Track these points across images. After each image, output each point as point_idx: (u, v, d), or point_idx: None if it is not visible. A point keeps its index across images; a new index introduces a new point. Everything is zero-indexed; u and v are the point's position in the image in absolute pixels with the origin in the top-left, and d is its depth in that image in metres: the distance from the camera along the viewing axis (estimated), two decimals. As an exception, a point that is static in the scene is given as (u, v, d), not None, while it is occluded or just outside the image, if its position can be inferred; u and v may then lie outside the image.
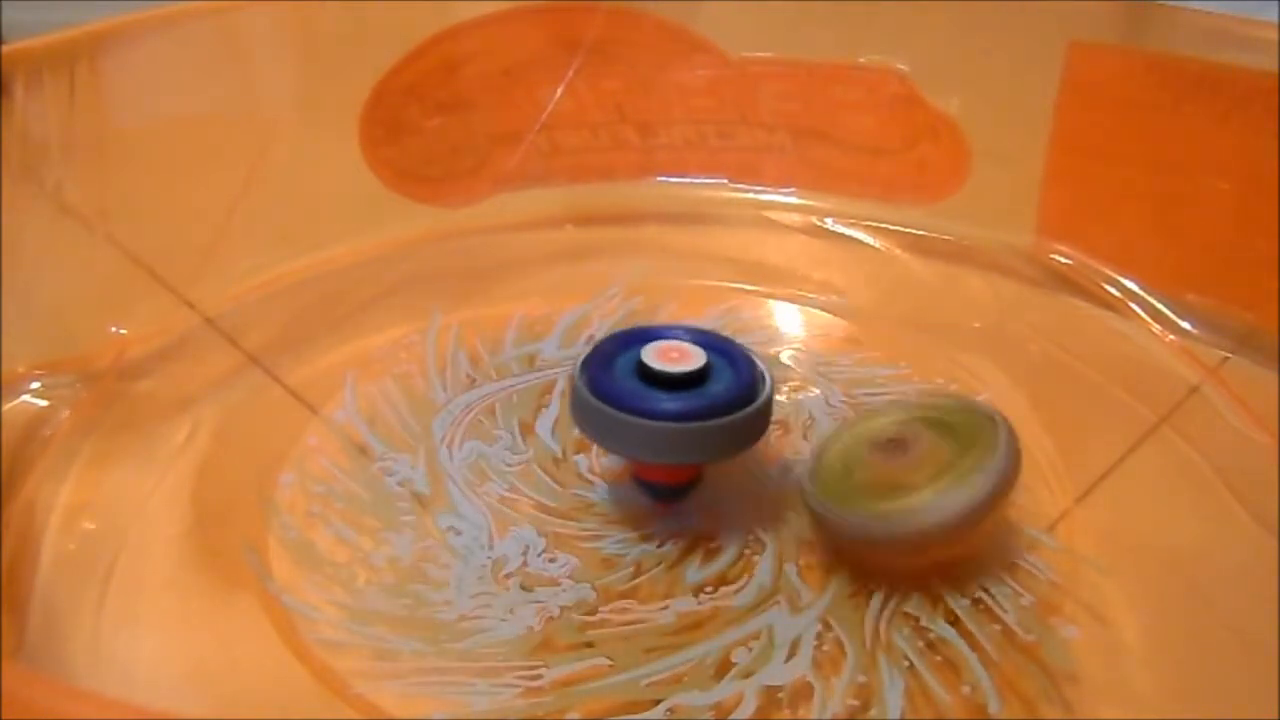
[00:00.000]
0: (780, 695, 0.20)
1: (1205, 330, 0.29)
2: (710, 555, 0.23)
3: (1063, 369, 0.29)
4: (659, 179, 0.36)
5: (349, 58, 0.33)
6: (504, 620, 0.21)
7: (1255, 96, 0.28)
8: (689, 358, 0.22)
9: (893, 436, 0.22)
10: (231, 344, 0.29)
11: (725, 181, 0.36)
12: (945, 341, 0.29)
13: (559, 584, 0.22)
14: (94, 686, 0.20)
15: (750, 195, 0.36)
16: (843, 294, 0.32)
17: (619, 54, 0.35)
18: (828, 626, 0.21)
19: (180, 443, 0.26)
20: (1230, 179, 0.29)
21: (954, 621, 0.21)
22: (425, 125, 0.34)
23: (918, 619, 0.21)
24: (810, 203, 0.35)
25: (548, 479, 0.25)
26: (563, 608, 0.21)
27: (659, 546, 0.23)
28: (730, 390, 0.22)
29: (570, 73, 0.35)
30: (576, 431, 0.26)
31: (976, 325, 0.31)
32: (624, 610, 0.21)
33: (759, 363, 0.23)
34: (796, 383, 0.28)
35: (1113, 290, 0.31)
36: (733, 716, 0.19)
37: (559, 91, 0.35)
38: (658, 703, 0.20)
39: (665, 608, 0.22)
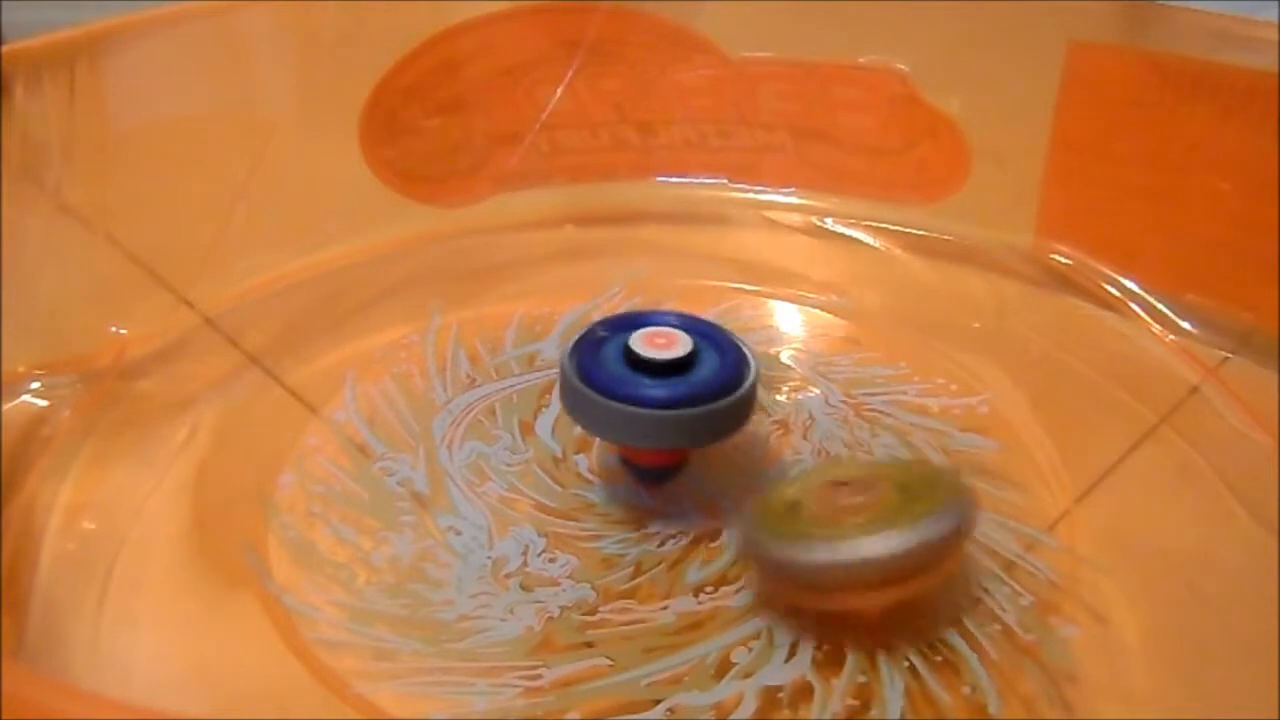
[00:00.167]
0: (780, 695, 0.20)
1: (1205, 330, 0.29)
2: (710, 555, 0.23)
3: (1063, 369, 0.29)
4: (659, 179, 0.36)
5: (349, 58, 0.33)
6: (504, 620, 0.21)
7: (1255, 96, 0.28)
8: (676, 344, 0.23)
9: (847, 479, 0.21)
10: (231, 344, 0.29)
11: (725, 181, 0.36)
12: (945, 341, 0.29)
13: (559, 584, 0.22)
14: (94, 686, 0.20)
15: (750, 195, 0.36)
16: (843, 294, 0.32)
17: (619, 54, 0.35)
18: (828, 626, 0.21)
19: (180, 443, 0.26)
20: (1230, 179, 0.29)
21: (954, 621, 0.21)
22: (425, 125, 0.34)
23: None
24: (810, 203, 0.35)
25: (547, 479, 0.25)
26: (563, 608, 0.21)
27: (659, 546, 0.23)
28: (715, 377, 0.22)
29: (570, 73, 0.35)
30: (576, 431, 0.26)
31: (976, 325, 0.31)
32: (624, 610, 0.21)
33: (745, 349, 0.23)
34: (796, 383, 0.28)
35: (1113, 290, 0.31)
36: (733, 716, 0.19)
37: (559, 91, 0.35)
38: (658, 703, 0.20)
39: (665, 608, 0.22)
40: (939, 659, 0.21)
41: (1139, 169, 0.31)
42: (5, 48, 0.27)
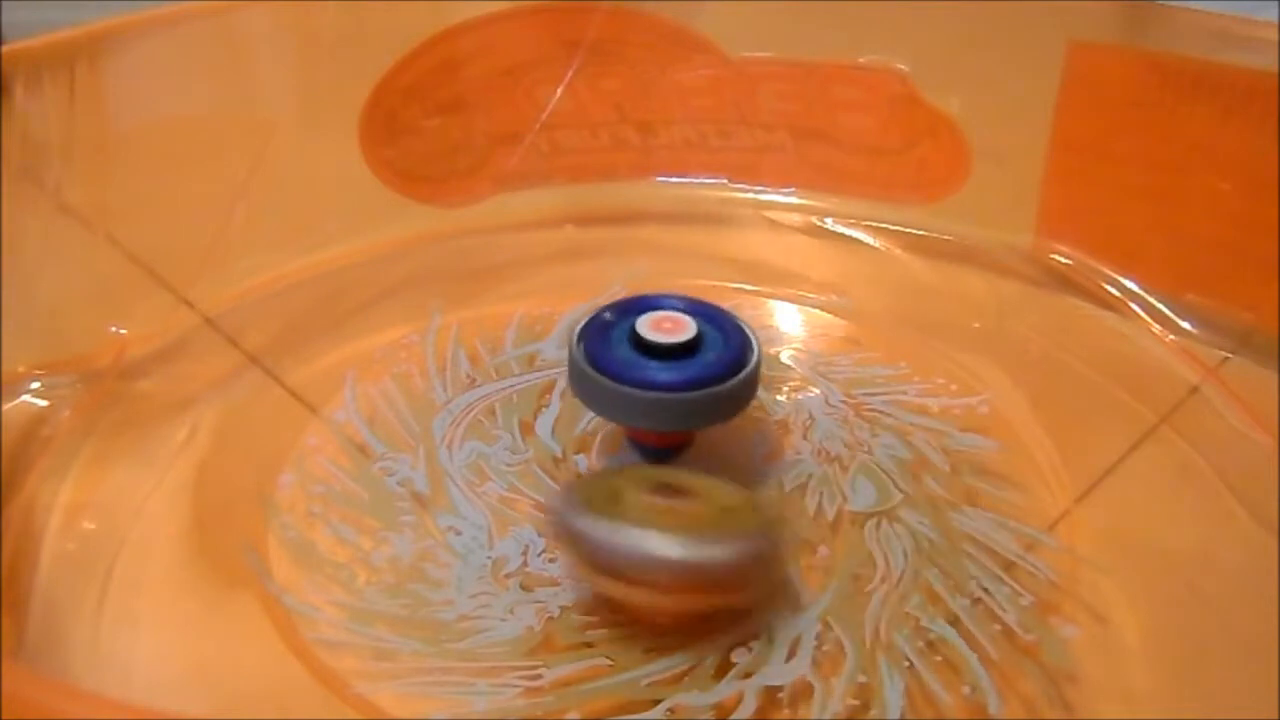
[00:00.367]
0: (780, 695, 0.20)
1: (1205, 330, 0.29)
2: (710, 555, 0.23)
3: (1063, 369, 0.29)
4: (659, 179, 0.36)
5: (349, 58, 0.33)
6: (504, 620, 0.21)
7: (1255, 96, 0.28)
8: (681, 327, 0.23)
9: (677, 486, 0.21)
10: (231, 344, 0.29)
11: (725, 181, 0.36)
12: (945, 341, 0.29)
13: (559, 584, 0.22)
14: (94, 686, 0.20)
15: (750, 195, 0.36)
16: (843, 294, 0.32)
17: (619, 54, 0.35)
18: (828, 626, 0.21)
19: (180, 443, 0.26)
20: (1230, 179, 0.29)
21: (954, 621, 0.21)
22: (425, 125, 0.34)
23: (918, 619, 0.21)
24: (810, 203, 0.35)
25: (548, 479, 0.25)
26: (563, 608, 0.21)
27: (659, 546, 0.23)
28: (720, 360, 0.23)
29: (570, 73, 0.35)
30: (576, 431, 0.26)
31: (976, 325, 0.31)
32: (624, 610, 0.21)
33: (748, 331, 0.24)
34: (796, 383, 0.28)
35: (1113, 290, 0.31)
36: (733, 717, 0.19)
37: (559, 91, 0.35)
38: (658, 703, 0.20)
39: (665, 608, 0.22)
40: (939, 659, 0.21)
41: (1139, 169, 0.31)
42: (5, 48, 0.27)
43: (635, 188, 0.36)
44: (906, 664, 0.20)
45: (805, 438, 0.26)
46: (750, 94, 0.35)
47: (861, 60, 0.34)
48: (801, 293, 0.32)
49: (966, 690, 0.20)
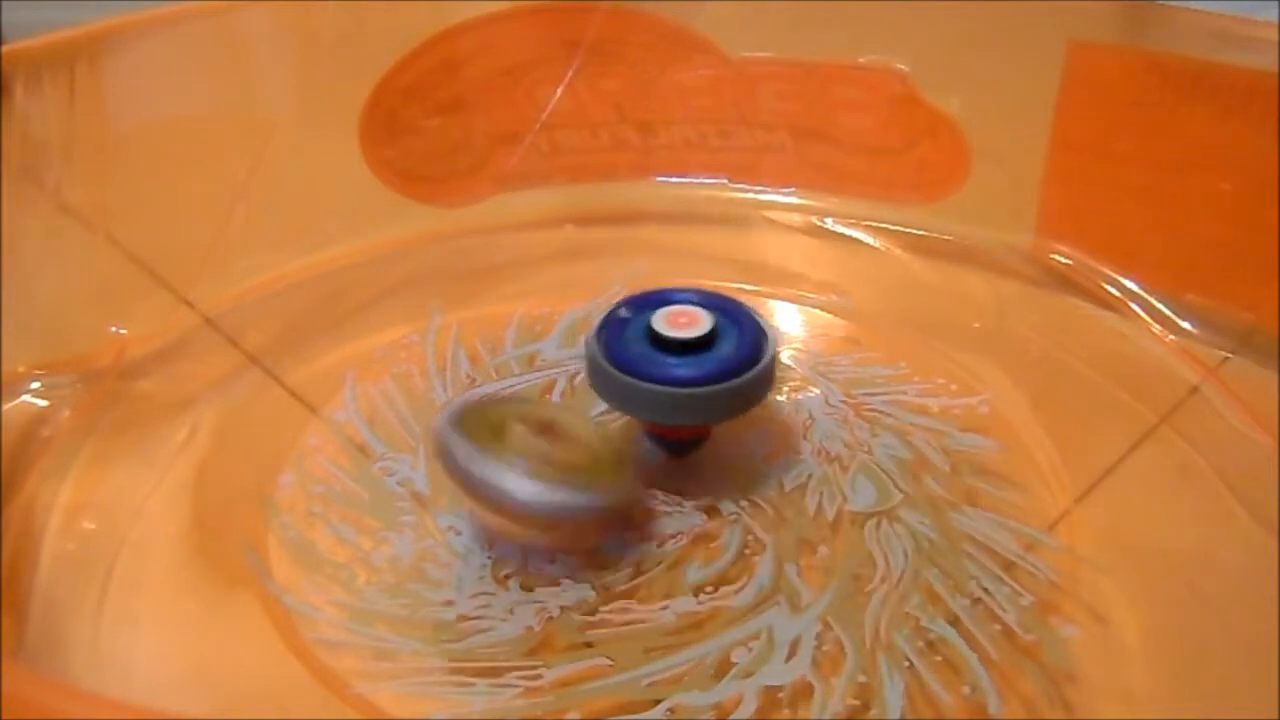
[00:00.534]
0: (780, 695, 0.20)
1: (1205, 330, 0.29)
2: (710, 556, 0.23)
3: (1063, 369, 0.29)
4: (659, 179, 0.36)
5: (349, 58, 0.33)
6: (504, 620, 0.21)
7: (1255, 96, 0.28)
8: (697, 322, 0.23)
9: (558, 428, 0.22)
10: (231, 344, 0.29)
11: (725, 181, 0.36)
12: (945, 341, 0.29)
13: (559, 584, 0.22)
14: (94, 686, 0.20)
15: (750, 195, 0.36)
16: (843, 294, 0.32)
17: (619, 54, 0.35)
18: (828, 626, 0.21)
19: (180, 443, 0.26)
20: (1230, 179, 0.29)
21: (954, 621, 0.21)
22: (425, 125, 0.34)
23: (918, 619, 0.21)
24: (810, 203, 0.35)
25: (548, 479, 0.25)
26: (563, 608, 0.21)
27: (659, 546, 0.23)
28: (735, 354, 0.23)
29: (570, 73, 0.35)
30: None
31: (976, 325, 0.31)
32: (624, 610, 0.21)
33: (764, 323, 0.24)
34: (796, 383, 0.28)
35: (1113, 290, 0.31)
36: (733, 716, 0.19)
37: (559, 91, 0.35)
38: (658, 703, 0.20)
39: (665, 608, 0.22)
40: (939, 659, 0.21)
41: (1139, 169, 0.31)
42: (5, 48, 0.27)
43: (635, 188, 0.36)
44: (906, 664, 0.20)
45: (805, 438, 0.26)
46: (750, 94, 0.35)
47: (861, 60, 0.34)
48: (801, 293, 0.32)
49: (966, 690, 0.20)
